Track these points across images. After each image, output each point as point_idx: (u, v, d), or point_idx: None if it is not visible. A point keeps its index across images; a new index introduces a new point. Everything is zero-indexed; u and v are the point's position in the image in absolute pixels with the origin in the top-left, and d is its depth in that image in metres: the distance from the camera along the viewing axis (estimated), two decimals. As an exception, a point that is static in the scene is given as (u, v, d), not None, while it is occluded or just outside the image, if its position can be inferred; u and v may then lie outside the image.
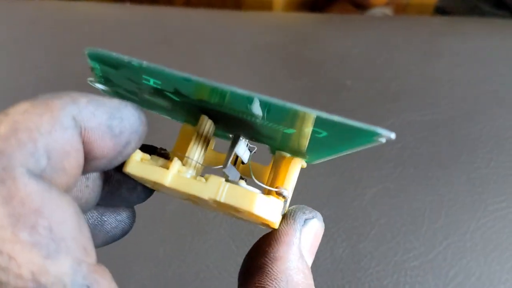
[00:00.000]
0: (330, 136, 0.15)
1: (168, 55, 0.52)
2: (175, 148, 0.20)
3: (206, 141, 0.18)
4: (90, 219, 0.19)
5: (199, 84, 0.15)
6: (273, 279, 0.16)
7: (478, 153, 0.42)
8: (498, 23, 0.56)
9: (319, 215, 0.18)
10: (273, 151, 0.20)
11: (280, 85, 0.48)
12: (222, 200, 0.16)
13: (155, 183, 0.17)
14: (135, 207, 0.21)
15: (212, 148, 0.20)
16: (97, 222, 0.19)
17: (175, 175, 0.16)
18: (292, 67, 0.50)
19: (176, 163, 0.17)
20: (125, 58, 0.14)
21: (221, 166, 0.19)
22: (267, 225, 0.18)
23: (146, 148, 0.18)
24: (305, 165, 0.19)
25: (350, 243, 0.37)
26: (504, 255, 0.36)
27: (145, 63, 0.14)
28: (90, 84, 0.17)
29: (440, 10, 0.76)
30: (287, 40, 0.53)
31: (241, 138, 0.19)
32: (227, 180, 0.16)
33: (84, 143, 0.14)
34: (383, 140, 0.14)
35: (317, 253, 0.38)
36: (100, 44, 0.54)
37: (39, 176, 0.12)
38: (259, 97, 0.14)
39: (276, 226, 0.17)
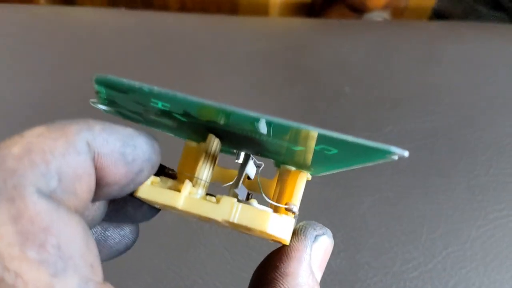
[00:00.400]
0: (341, 153, 0.16)
1: (163, 61, 0.52)
2: (180, 166, 0.20)
3: (213, 159, 0.19)
4: (93, 234, 0.19)
5: (211, 108, 0.15)
6: None
7: (478, 160, 0.41)
8: (496, 27, 0.56)
9: (329, 231, 0.19)
10: (277, 165, 0.20)
11: (277, 92, 0.48)
12: (236, 221, 0.16)
13: (166, 205, 0.17)
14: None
15: (217, 164, 0.21)
16: (101, 237, 0.19)
17: (187, 198, 0.17)
18: (289, 73, 0.50)
19: (187, 186, 0.17)
20: (136, 84, 0.14)
21: (230, 183, 0.19)
22: (278, 241, 0.18)
23: None
24: (310, 177, 0.20)
25: (348, 253, 0.36)
26: (504, 264, 0.36)
27: (156, 88, 0.14)
28: (92, 105, 0.18)
29: (437, 13, 0.75)
30: (284, 46, 0.52)
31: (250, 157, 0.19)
32: (239, 201, 0.16)
33: (97, 169, 0.14)
34: (396, 157, 0.14)
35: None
36: (95, 50, 0.53)
37: (49, 196, 0.12)
38: (270, 119, 0.14)
39: (287, 242, 0.18)
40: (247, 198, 0.19)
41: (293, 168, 0.19)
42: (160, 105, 0.16)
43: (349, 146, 0.14)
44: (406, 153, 0.13)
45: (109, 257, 0.20)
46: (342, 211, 0.38)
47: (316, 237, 0.18)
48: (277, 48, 0.52)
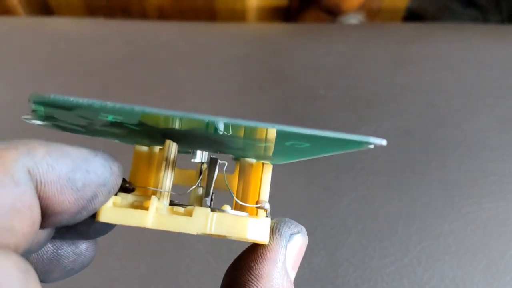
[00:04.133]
0: (313, 146, 0.15)
1: (142, 69, 0.52)
2: (132, 174, 0.18)
3: (173, 165, 0.18)
4: (44, 254, 0.18)
5: (172, 118, 0.14)
6: None
7: (449, 157, 0.43)
8: (467, 27, 0.58)
9: (303, 229, 0.18)
10: (236, 158, 0.19)
11: (255, 96, 0.49)
12: (213, 232, 0.15)
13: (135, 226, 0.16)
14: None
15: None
16: (53, 257, 0.18)
17: (155, 215, 0.16)
18: (266, 77, 0.51)
19: (154, 202, 0.16)
20: (85, 101, 0.13)
21: (193, 186, 0.18)
22: (256, 242, 0.17)
23: None
24: (271, 166, 0.19)
25: (328, 251, 0.38)
26: (476, 256, 0.37)
27: (109, 104, 0.13)
28: (25, 121, 0.16)
29: (411, 12, 0.77)
30: (260, 51, 0.53)
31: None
32: (212, 210, 0.16)
33: (41, 198, 0.13)
34: (372, 146, 0.14)
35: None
36: (74, 60, 0.54)
37: None
38: (233, 121, 0.13)
39: (266, 243, 0.17)
40: (211, 199, 0.18)
41: (254, 160, 0.19)
42: (110, 118, 0.15)
43: (325, 140, 0.14)
44: (384, 142, 0.13)
45: (64, 276, 0.19)
46: (321, 211, 0.40)
47: (291, 236, 0.17)
48: (255, 53, 0.53)
